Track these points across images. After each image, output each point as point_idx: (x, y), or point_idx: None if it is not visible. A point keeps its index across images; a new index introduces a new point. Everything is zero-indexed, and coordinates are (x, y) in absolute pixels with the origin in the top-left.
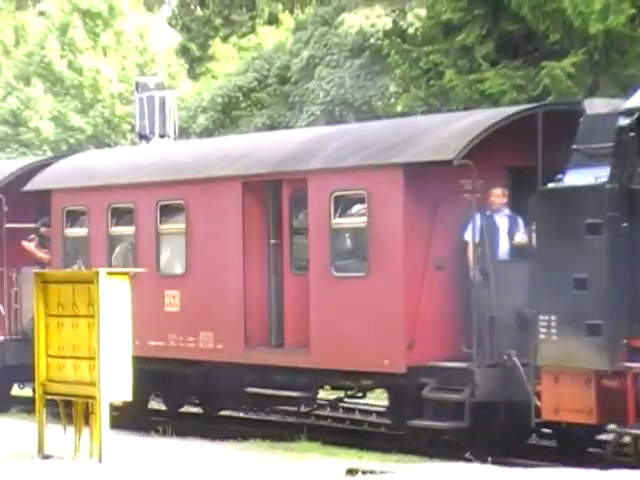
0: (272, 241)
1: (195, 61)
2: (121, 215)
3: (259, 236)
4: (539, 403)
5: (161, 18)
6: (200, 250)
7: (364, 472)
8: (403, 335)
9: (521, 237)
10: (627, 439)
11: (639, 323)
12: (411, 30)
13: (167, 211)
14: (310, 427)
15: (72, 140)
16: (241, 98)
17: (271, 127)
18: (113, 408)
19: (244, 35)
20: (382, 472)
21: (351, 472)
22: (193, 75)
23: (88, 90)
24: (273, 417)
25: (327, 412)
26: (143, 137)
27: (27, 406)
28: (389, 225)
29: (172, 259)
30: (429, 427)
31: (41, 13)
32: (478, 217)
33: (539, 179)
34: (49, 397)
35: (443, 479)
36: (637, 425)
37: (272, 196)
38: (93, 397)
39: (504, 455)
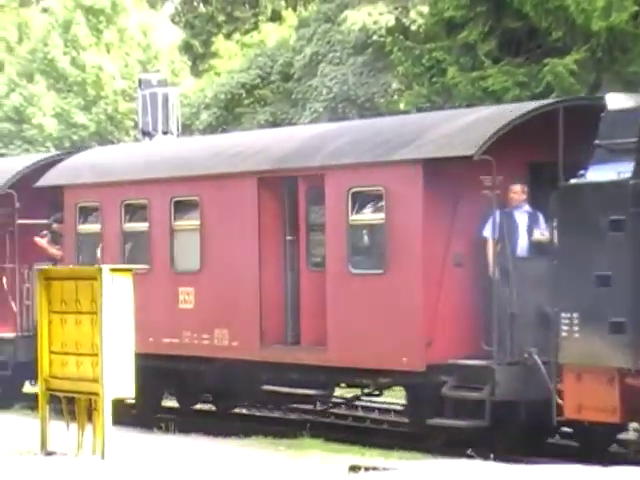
0: (288, 237)
1: (198, 58)
2: (134, 211)
3: (275, 232)
4: (560, 401)
5: (164, 15)
6: (215, 246)
7: (367, 469)
8: (422, 333)
9: (540, 234)
10: None
11: None
12: (414, 27)
13: (181, 207)
14: (313, 424)
15: (75, 137)
16: (244, 95)
17: (274, 124)
18: (123, 405)
19: (247, 32)
20: (385, 469)
21: (354, 469)
22: (196, 72)
23: (91, 87)
24: (276, 414)
25: (343, 410)
26: (146, 134)
27: (30, 403)
28: (408, 221)
29: (186, 256)
30: (449, 426)
31: (44, 10)
32: (497, 214)
33: (560, 175)
34: (52, 393)
35: (446, 476)
36: None
37: (288, 192)
38: (96, 393)
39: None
